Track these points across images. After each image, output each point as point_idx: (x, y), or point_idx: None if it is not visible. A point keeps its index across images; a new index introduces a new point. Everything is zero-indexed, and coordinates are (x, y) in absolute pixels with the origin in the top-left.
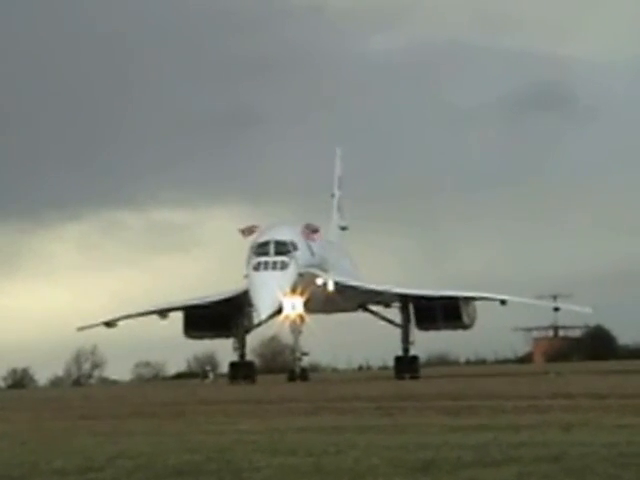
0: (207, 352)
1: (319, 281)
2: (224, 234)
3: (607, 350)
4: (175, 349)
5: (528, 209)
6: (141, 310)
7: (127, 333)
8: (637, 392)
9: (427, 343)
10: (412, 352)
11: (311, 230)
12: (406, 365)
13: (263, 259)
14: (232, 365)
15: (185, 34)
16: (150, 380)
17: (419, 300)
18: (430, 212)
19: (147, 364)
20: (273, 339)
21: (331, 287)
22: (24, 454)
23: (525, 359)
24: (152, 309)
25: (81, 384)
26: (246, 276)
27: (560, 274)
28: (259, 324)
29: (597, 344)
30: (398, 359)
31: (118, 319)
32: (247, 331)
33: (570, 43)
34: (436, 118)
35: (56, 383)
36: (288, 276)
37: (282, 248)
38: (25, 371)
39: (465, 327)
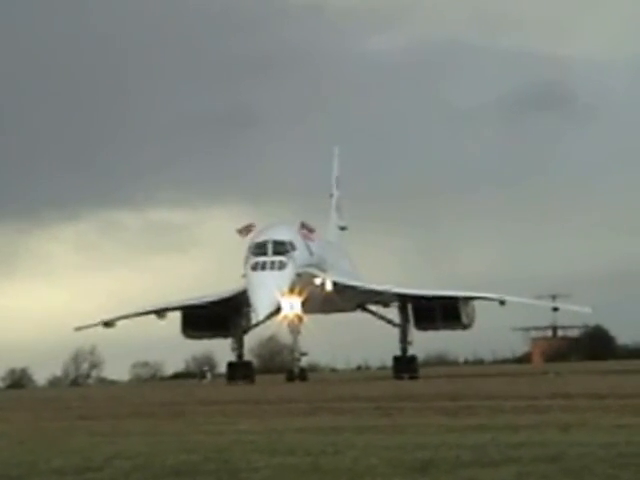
0: (205, 352)
1: (317, 281)
2: (222, 234)
3: (606, 350)
4: (173, 349)
5: (527, 209)
6: (139, 310)
7: (125, 333)
8: (636, 392)
9: (426, 343)
10: (411, 352)
11: (307, 229)
12: (405, 365)
13: (261, 259)
14: (230, 365)
15: (184, 34)
16: (148, 380)
17: (418, 300)
18: (429, 212)
19: (145, 364)
20: (271, 339)
21: (329, 287)
22: (22, 454)
23: (524, 359)
24: (150, 309)
25: (79, 384)
26: (244, 276)
27: (559, 274)
28: (257, 324)
29: (596, 344)
30: (397, 359)
31: (116, 319)
32: (245, 331)
33: (569, 42)
34: (436, 118)
35: (54, 383)
36: (286, 276)
37: (280, 248)
38: (23, 371)
39: (464, 327)
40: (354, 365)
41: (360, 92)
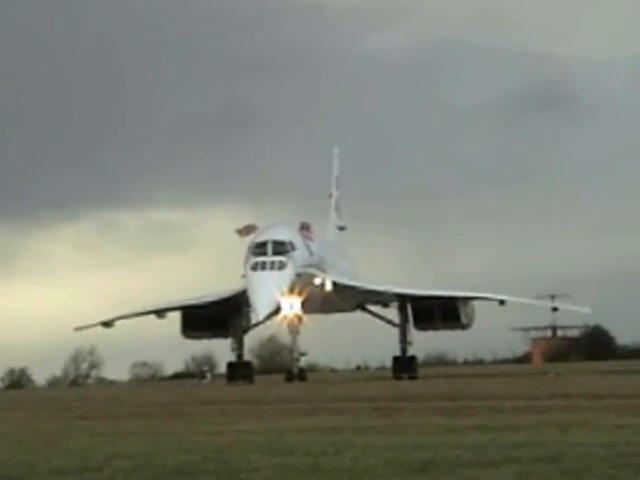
0: (205, 352)
1: (317, 281)
2: (222, 234)
3: (606, 350)
4: (173, 349)
5: (527, 209)
6: (139, 310)
7: (124, 333)
8: (636, 392)
9: (425, 343)
10: (410, 352)
11: (305, 228)
12: (404, 365)
13: (261, 259)
14: (230, 365)
15: (183, 33)
16: (148, 380)
17: (417, 300)
18: (428, 212)
19: (144, 364)
20: (271, 339)
21: (329, 287)
22: (22, 454)
23: (523, 359)
24: (150, 309)
25: (79, 384)
26: (244, 276)
27: (559, 274)
28: (257, 324)
29: (596, 344)
30: (396, 359)
31: (115, 319)
32: (245, 331)
33: (570, 42)
34: (435, 118)
35: (54, 383)
36: (286, 276)
37: (280, 248)
38: (23, 371)
39: (463, 327)
40: (353, 365)
41: (360, 92)
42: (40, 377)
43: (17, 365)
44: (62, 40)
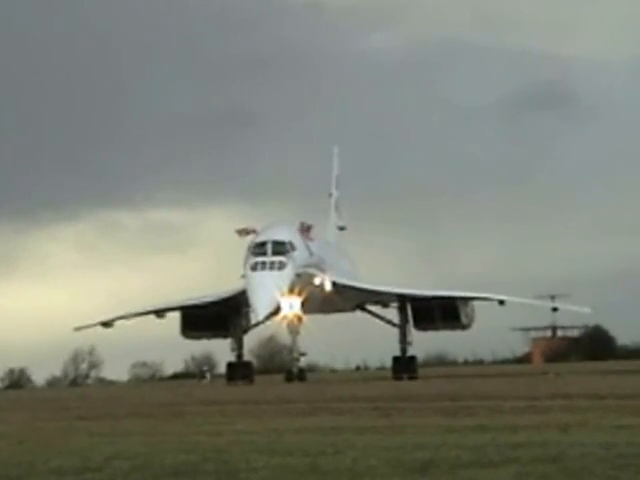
0: (204, 352)
1: (317, 281)
2: (221, 234)
3: (606, 350)
4: (172, 349)
5: (527, 209)
6: (138, 310)
7: (124, 333)
8: (636, 392)
9: (425, 343)
10: (410, 352)
11: (305, 228)
12: (404, 365)
13: (261, 259)
14: (229, 365)
15: (182, 33)
16: (147, 380)
17: (417, 300)
18: (428, 212)
19: (144, 364)
20: (271, 339)
21: (328, 287)
22: (21, 454)
23: (523, 359)
24: (149, 309)
25: (78, 384)
26: (243, 276)
27: (559, 274)
28: (257, 324)
29: (596, 344)
30: (396, 359)
31: (115, 319)
32: (245, 331)
33: (570, 42)
34: (435, 117)
35: (53, 383)
36: (286, 276)
37: (280, 248)
38: (22, 371)
39: (463, 327)
40: (353, 365)
41: (360, 91)
42: (39, 377)
43: (16, 365)
44: (62, 40)
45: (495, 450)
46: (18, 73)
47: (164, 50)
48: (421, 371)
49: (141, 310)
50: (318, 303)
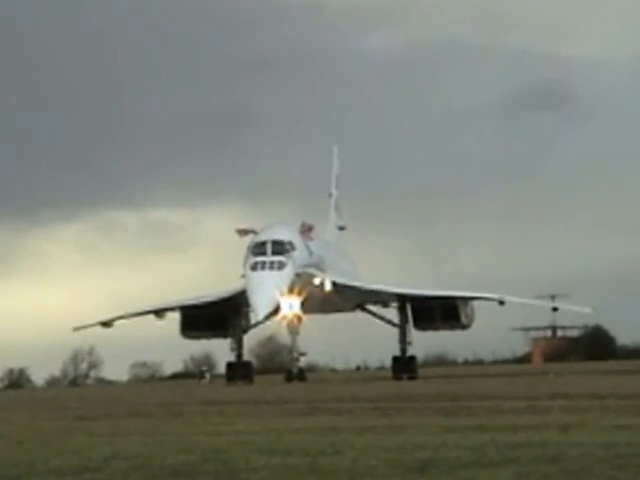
0: (204, 352)
1: (317, 281)
2: (221, 234)
3: (606, 350)
4: (172, 349)
5: (527, 209)
6: (138, 310)
7: (123, 333)
8: (636, 393)
9: (425, 343)
10: (410, 352)
11: (306, 228)
12: (404, 365)
13: (260, 259)
14: (229, 365)
15: (182, 33)
16: (147, 380)
17: (417, 300)
18: (428, 212)
19: (144, 364)
20: (270, 339)
21: (328, 287)
22: (21, 454)
23: (523, 359)
24: (149, 309)
25: (78, 384)
26: (243, 276)
27: (559, 274)
28: (256, 324)
29: (596, 344)
30: (396, 359)
31: (114, 319)
32: (244, 331)
33: (570, 42)
34: (435, 117)
35: (52, 383)
36: (285, 276)
37: (279, 248)
38: (22, 371)
39: (463, 327)
40: (353, 365)
41: (360, 91)
42: (39, 377)
43: (16, 365)
44: (62, 40)
45: (495, 450)
46: (18, 73)
47: (164, 50)
48: (421, 371)
49: (141, 310)
50: (318, 303)
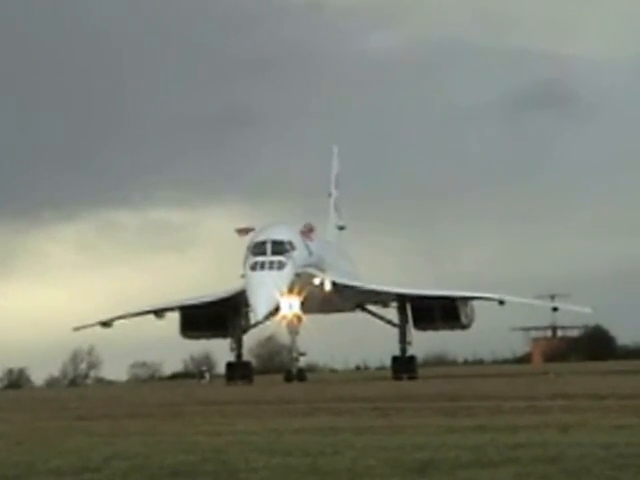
0: (204, 352)
1: (316, 281)
2: (221, 234)
3: (606, 350)
4: (171, 349)
5: (527, 209)
6: (137, 310)
7: (123, 333)
8: (636, 393)
9: (425, 343)
10: (410, 352)
11: (307, 229)
12: (404, 365)
13: (260, 259)
14: (229, 365)
15: (182, 32)
16: (146, 380)
17: (417, 300)
18: (428, 212)
19: (143, 364)
20: (270, 339)
21: (328, 287)
22: (20, 454)
23: (523, 359)
24: (148, 309)
25: (77, 384)
26: (243, 276)
27: (559, 274)
28: (256, 324)
29: (596, 344)
30: (396, 359)
31: (114, 319)
32: (244, 331)
33: (571, 41)
34: (436, 117)
35: (52, 383)
36: (285, 276)
37: (279, 248)
38: (21, 371)
39: (463, 327)
40: (353, 365)
41: (360, 91)
42: (38, 377)
43: (15, 365)
44: (62, 40)
45: (495, 450)
46: (18, 73)
47: (164, 50)
48: (421, 371)
49: (140, 310)
50: (318, 303)
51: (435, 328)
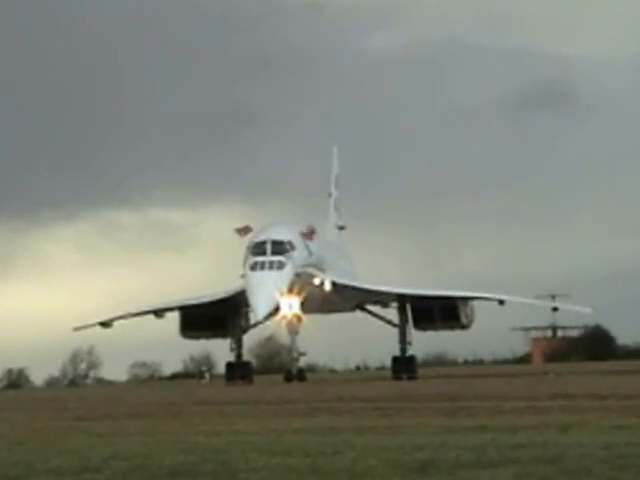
0: (203, 352)
1: (316, 281)
2: (221, 234)
3: (606, 350)
4: (171, 349)
5: (527, 209)
6: (137, 310)
7: (123, 333)
8: (636, 393)
9: (425, 343)
10: (410, 352)
11: (309, 231)
12: (404, 365)
13: (260, 259)
14: (229, 365)
15: (183, 32)
16: (146, 380)
17: (417, 300)
18: (428, 212)
19: (143, 364)
20: (270, 339)
21: (328, 287)
22: (20, 454)
23: (524, 359)
24: (148, 309)
25: (77, 384)
26: (243, 276)
27: (559, 274)
28: (256, 324)
29: (596, 344)
30: (396, 359)
31: (114, 319)
32: (244, 331)
33: (572, 41)
34: (436, 117)
35: (52, 383)
36: (285, 276)
37: (279, 248)
38: (21, 372)
39: (463, 327)
40: (353, 365)
41: (360, 91)
42: (38, 377)
43: (15, 365)
44: (61, 40)
45: (495, 450)
46: (18, 72)
47: (164, 49)
48: (421, 371)
49: (140, 310)
50: (318, 303)
51: (435, 328)
